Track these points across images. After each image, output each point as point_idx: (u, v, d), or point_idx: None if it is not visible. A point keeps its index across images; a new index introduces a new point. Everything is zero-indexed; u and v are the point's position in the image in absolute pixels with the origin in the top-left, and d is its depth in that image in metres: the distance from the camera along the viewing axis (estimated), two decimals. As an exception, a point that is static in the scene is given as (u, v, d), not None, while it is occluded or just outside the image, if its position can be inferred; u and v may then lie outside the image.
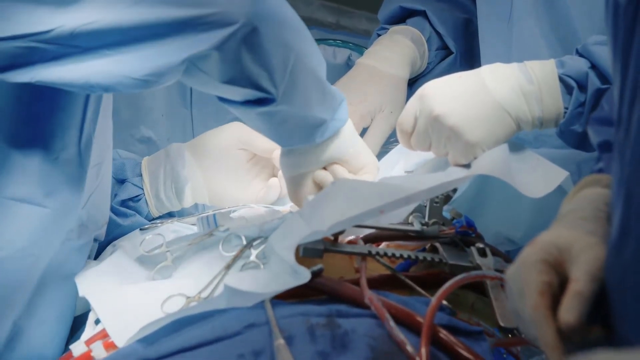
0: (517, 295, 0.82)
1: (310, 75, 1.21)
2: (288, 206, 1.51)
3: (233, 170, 1.49)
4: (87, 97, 1.17)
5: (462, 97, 1.31)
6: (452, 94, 1.32)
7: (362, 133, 1.65)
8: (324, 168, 1.37)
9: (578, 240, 0.81)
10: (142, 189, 1.50)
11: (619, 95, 0.77)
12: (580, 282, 0.77)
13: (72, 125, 1.16)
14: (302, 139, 1.30)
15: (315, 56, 1.23)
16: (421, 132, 1.36)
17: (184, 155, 1.49)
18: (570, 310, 0.75)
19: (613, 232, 0.78)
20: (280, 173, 1.51)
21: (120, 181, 1.50)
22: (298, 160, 1.35)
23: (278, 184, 1.51)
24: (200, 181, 1.49)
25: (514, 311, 0.83)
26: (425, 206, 1.28)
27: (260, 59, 1.11)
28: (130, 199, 1.49)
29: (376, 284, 1.10)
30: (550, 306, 0.77)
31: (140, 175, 1.50)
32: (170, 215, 1.56)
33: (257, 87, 1.14)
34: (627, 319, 0.76)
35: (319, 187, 1.38)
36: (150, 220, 1.51)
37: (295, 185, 1.38)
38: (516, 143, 1.39)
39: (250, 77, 1.12)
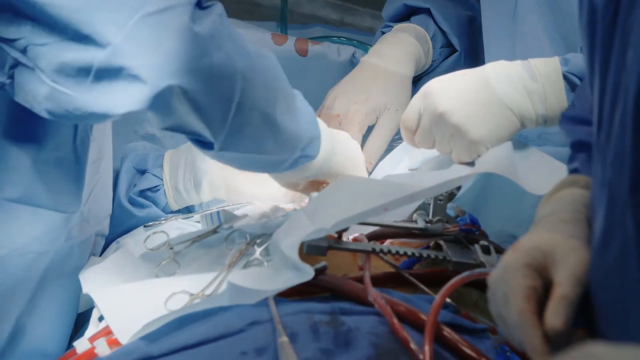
0: (501, 300, 0.81)
1: (258, 123, 1.15)
2: (292, 204, 1.51)
3: None
4: None
5: (466, 94, 1.31)
6: (456, 92, 1.32)
7: (368, 131, 1.65)
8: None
9: (561, 243, 0.81)
10: (162, 180, 1.50)
11: (598, 96, 0.77)
12: (564, 286, 0.76)
13: (65, 123, 1.16)
14: (264, 170, 1.29)
15: (267, 99, 1.16)
16: (425, 130, 1.36)
17: None
18: (556, 315, 0.75)
19: (596, 234, 0.77)
20: None
21: (141, 172, 1.50)
22: (283, 176, 1.35)
23: None
24: (218, 175, 1.49)
25: (498, 316, 0.82)
26: (429, 204, 1.28)
27: (195, 112, 1.07)
28: (149, 189, 1.49)
29: (380, 281, 1.10)
30: (536, 311, 0.77)
31: (161, 166, 1.50)
32: (188, 210, 1.56)
33: (197, 134, 1.12)
34: (611, 321, 0.75)
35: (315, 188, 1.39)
36: (167, 213, 1.52)
37: (290, 187, 1.40)
38: (520, 141, 1.38)
39: (188, 127, 1.10)
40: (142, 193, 1.49)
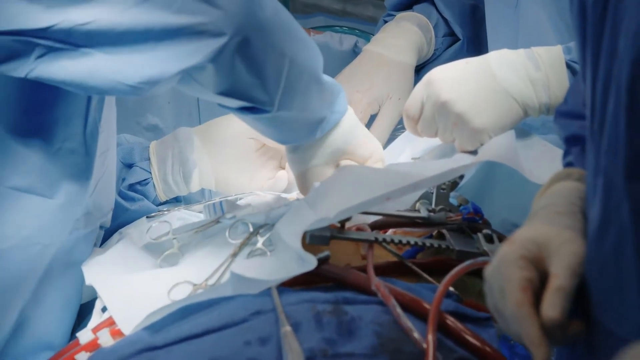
0: (497, 293, 0.81)
1: (307, 78, 1.21)
2: (295, 193, 1.51)
3: (241, 159, 1.49)
4: None
5: (469, 83, 1.31)
6: (459, 80, 1.32)
7: (371, 120, 1.65)
8: (337, 165, 1.37)
9: (556, 235, 0.81)
10: (150, 173, 1.50)
11: (591, 87, 0.77)
12: (560, 277, 0.76)
13: (75, 114, 1.16)
14: (302, 136, 1.31)
15: (310, 55, 1.22)
16: (428, 119, 1.35)
17: (193, 140, 1.49)
18: (553, 306, 0.75)
19: (592, 223, 0.77)
20: (288, 165, 1.51)
21: (128, 165, 1.50)
22: (304, 156, 1.35)
23: (286, 177, 1.51)
24: (207, 166, 1.49)
25: (494, 309, 0.82)
26: (432, 193, 1.28)
27: (254, 70, 1.11)
28: (138, 183, 1.49)
29: (383, 270, 1.10)
30: (533, 302, 0.77)
31: (148, 159, 1.50)
32: (177, 200, 1.56)
33: (252, 98, 1.15)
34: (609, 310, 0.75)
35: None
36: (157, 205, 1.52)
37: (304, 181, 1.38)
38: (523, 129, 1.38)
39: (245, 89, 1.13)
40: (131, 187, 1.49)
